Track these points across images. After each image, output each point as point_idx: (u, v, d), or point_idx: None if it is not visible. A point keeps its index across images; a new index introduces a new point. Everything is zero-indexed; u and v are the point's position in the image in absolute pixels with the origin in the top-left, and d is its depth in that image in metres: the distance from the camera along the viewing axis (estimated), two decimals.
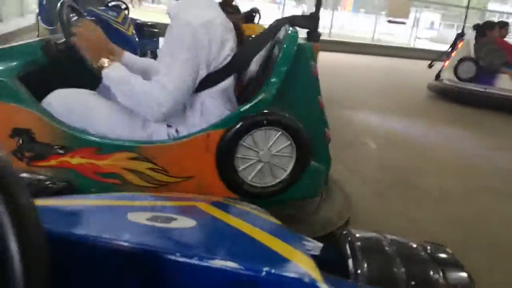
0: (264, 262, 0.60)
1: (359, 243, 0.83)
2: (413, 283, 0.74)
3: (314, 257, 0.81)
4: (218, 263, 0.58)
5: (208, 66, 1.57)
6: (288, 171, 1.73)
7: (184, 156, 1.63)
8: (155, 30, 5.27)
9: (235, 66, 1.67)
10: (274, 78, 1.64)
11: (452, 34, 9.51)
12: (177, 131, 1.64)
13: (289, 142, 1.70)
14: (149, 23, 5.32)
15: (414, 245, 0.87)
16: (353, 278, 0.76)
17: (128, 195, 0.98)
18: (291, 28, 1.75)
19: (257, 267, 0.59)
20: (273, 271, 0.58)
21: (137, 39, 4.98)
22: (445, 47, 7.31)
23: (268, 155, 1.68)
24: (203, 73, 1.56)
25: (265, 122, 1.63)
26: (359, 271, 0.76)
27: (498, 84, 6.44)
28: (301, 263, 0.65)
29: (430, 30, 23.13)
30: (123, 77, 1.52)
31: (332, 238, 1.01)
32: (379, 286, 0.73)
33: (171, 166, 1.63)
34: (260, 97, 1.64)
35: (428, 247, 0.87)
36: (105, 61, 1.55)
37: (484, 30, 6.51)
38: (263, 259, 0.64)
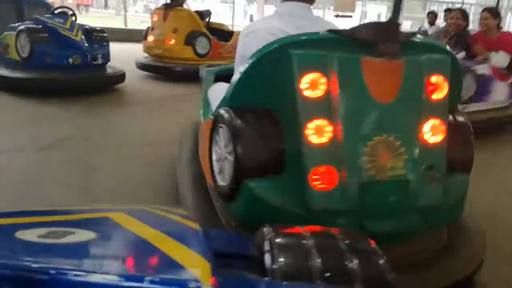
0: (155, 271, 0.60)
1: (276, 238, 0.84)
2: (327, 274, 0.75)
3: (240, 254, 0.85)
4: (96, 277, 0.56)
5: None
6: None
7: None
8: (104, 35, 5.29)
9: None
10: None
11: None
12: None
13: None
14: (98, 28, 5.34)
15: (334, 237, 0.87)
16: (269, 274, 0.77)
17: (29, 211, 0.94)
18: None
19: (139, 277, 0.57)
20: (157, 279, 0.57)
21: (86, 44, 5.00)
22: None
23: None
24: None
25: None
26: (274, 266, 0.77)
27: None
28: (194, 267, 0.63)
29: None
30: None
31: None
32: (295, 280, 0.74)
33: None
34: None
35: (349, 238, 0.87)
36: None
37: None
38: (154, 267, 0.63)
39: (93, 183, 2.59)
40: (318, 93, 1.48)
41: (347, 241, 0.85)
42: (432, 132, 1.54)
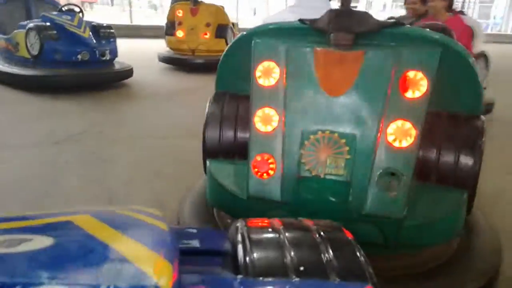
0: (111, 277, 0.59)
1: (249, 233, 0.81)
2: (302, 268, 0.72)
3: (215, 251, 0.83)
4: None
5: None
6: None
7: None
8: (111, 31, 5.35)
9: None
10: None
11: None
12: None
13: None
14: (104, 25, 5.40)
15: (308, 229, 0.85)
16: (242, 270, 0.74)
17: None
18: None
19: (94, 286, 0.56)
20: (112, 286, 0.56)
21: (94, 40, 5.07)
22: None
23: None
24: None
25: None
26: (247, 262, 0.74)
27: None
28: (154, 271, 0.61)
29: (383, 12, 23.79)
30: None
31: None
32: (269, 276, 0.71)
33: None
34: None
35: (324, 229, 0.85)
36: None
37: None
38: (111, 273, 0.61)
39: (108, 175, 2.66)
40: (270, 82, 1.49)
41: (321, 233, 0.82)
42: (397, 134, 1.37)
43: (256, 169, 1.47)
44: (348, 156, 1.40)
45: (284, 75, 1.47)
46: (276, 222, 0.88)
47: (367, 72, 1.40)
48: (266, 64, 1.50)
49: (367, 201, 1.37)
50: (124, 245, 0.70)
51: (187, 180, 2.30)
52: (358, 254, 0.78)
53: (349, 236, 0.84)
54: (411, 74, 1.37)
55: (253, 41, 1.53)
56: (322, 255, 0.76)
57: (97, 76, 5.03)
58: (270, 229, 0.84)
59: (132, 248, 0.69)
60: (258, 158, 1.47)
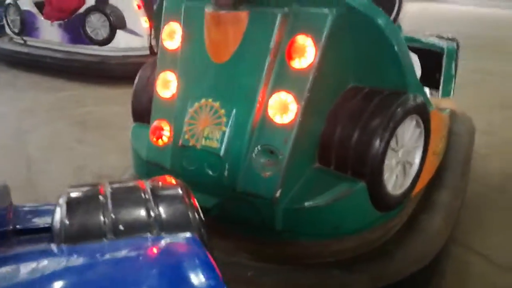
0: None
1: (68, 199, 0.76)
2: (121, 227, 0.70)
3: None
4: None
5: None
6: (417, 165, 1.45)
7: None
8: None
9: None
10: None
11: None
12: None
13: (419, 129, 1.43)
14: None
15: (137, 189, 0.81)
16: (56, 236, 0.69)
17: None
18: None
19: None
20: None
21: None
22: None
23: (406, 151, 1.38)
24: None
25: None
26: (61, 229, 0.70)
27: None
28: None
29: None
30: None
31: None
32: (85, 240, 0.67)
33: None
34: None
35: (155, 187, 0.81)
36: None
37: None
38: None
39: None
40: (174, 44, 1.44)
41: (152, 191, 0.80)
42: (277, 108, 1.25)
43: (152, 135, 1.45)
44: (225, 129, 1.30)
45: (183, 38, 1.42)
46: (106, 185, 0.83)
47: (251, 36, 1.29)
48: (171, 25, 1.45)
49: (240, 178, 1.29)
50: None
51: None
52: (187, 208, 0.76)
53: (186, 193, 0.81)
54: (299, 39, 1.23)
55: (164, 2, 1.47)
56: (146, 212, 0.74)
57: None
58: (92, 192, 0.79)
59: None
60: (156, 124, 1.44)
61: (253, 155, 1.27)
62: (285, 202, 1.26)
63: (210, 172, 1.33)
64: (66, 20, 4.56)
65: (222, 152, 1.30)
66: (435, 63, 2.06)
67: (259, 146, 1.26)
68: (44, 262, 0.62)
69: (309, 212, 1.28)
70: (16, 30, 4.99)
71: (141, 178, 0.86)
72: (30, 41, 4.94)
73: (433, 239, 1.50)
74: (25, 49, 4.89)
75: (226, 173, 1.31)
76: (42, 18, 4.73)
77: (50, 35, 4.70)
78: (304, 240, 1.37)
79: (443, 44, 2.12)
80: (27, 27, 4.88)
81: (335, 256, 1.37)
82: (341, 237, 1.37)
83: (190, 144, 1.34)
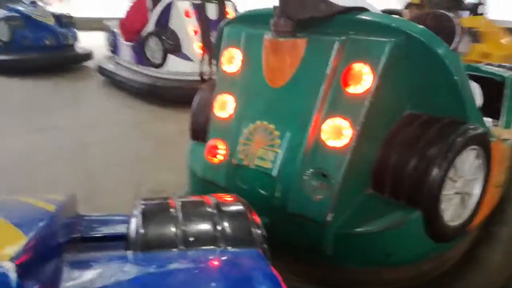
0: None
1: (144, 210, 0.81)
2: (191, 239, 0.75)
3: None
4: None
5: None
6: (476, 196, 1.40)
7: None
8: (71, 19, 6.24)
9: None
10: None
11: None
12: None
13: (480, 160, 1.39)
14: (66, 14, 6.28)
15: (205, 204, 0.86)
16: (132, 246, 0.75)
17: None
18: None
19: None
20: None
21: (58, 27, 5.93)
22: None
23: (465, 182, 1.35)
24: None
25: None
26: (137, 237, 0.75)
27: None
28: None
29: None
30: None
31: None
32: (158, 248, 0.73)
33: None
34: None
35: (221, 204, 0.86)
36: None
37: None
38: None
39: None
40: (232, 68, 1.51)
41: (218, 207, 0.85)
42: (332, 133, 1.26)
43: (208, 153, 1.50)
44: (278, 150, 1.33)
45: (242, 63, 1.49)
46: (175, 198, 0.88)
47: (308, 62, 1.32)
48: (230, 50, 1.52)
49: (291, 200, 1.29)
50: None
51: None
52: (250, 224, 0.80)
53: (249, 210, 0.86)
54: (356, 66, 1.24)
55: (224, 29, 1.57)
56: (213, 226, 0.78)
57: (62, 58, 5.89)
58: (165, 205, 0.84)
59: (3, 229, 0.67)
60: (212, 142, 1.50)
61: (305, 177, 1.27)
62: (336, 226, 1.25)
63: (262, 192, 1.35)
64: (134, 41, 4.99)
65: (274, 173, 1.32)
66: (496, 92, 2.01)
67: (311, 169, 1.27)
68: (126, 267, 0.68)
69: (360, 238, 1.27)
70: (112, 49, 5.72)
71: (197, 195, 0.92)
72: (117, 59, 5.52)
73: (492, 274, 1.47)
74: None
75: (277, 193, 1.32)
76: (122, 39, 5.31)
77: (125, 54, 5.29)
78: (355, 267, 1.35)
79: (504, 73, 2.09)
80: (115, 47, 5.55)
81: (387, 285, 1.36)
82: (394, 266, 1.34)
83: (244, 163, 1.39)
